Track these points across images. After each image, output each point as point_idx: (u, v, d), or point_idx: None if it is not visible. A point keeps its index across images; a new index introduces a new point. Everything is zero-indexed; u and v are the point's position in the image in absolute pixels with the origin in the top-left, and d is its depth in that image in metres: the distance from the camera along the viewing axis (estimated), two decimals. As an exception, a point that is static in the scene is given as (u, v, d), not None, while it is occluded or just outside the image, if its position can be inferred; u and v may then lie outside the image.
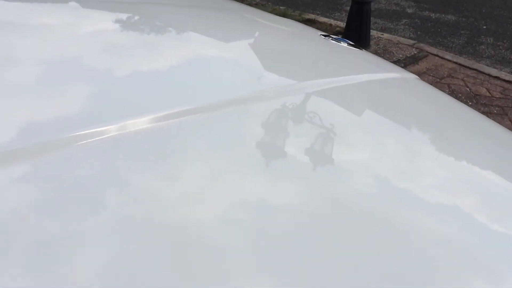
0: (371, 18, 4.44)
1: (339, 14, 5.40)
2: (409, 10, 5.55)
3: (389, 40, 4.36)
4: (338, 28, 4.67)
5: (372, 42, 4.24)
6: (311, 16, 5.11)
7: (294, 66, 0.96)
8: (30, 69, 0.63)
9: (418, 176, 0.65)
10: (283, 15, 5.06)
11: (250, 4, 5.14)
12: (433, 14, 5.41)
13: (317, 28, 4.93)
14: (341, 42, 1.24)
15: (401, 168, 0.66)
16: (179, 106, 0.63)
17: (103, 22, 0.88)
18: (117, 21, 0.91)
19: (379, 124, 0.81)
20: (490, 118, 1.10)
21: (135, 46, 0.80)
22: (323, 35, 1.28)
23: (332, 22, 4.91)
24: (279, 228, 0.50)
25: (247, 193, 0.53)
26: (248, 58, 0.92)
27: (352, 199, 0.57)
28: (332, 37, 1.27)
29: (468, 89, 3.44)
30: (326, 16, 5.23)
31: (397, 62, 3.85)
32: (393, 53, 4.06)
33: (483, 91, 3.41)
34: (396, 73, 1.15)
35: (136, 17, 0.95)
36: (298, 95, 0.77)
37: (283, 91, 0.77)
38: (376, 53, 4.02)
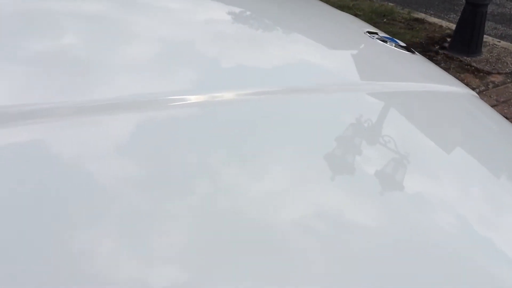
0: (491, 23, 3.96)
1: (454, 15, 4.90)
2: (541, 17, 4.85)
3: (505, 48, 3.85)
4: (448, 31, 4.24)
5: (484, 49, 3.76)
6: (421, 15, 4.70)
7: (316, 66, 0.81)
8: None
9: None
10: (390, 12, 4.72)
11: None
12: None
13: (425, 29, 4.52)
14: (388, 42, 1.05)
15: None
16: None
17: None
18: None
19: (419, 144, 0.69)
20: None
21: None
22: (369, 32, 1.09)
23: (444, 23, 4.46)
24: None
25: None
26: (281, 52, 0.81)
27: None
28: (380, 36, 1.08)
29: None
30: (439, 17, 4.78)
31: (509, 74, 3.38)
32: (507, 63, 3.57)
33: None
34: (450, 86, 0.93)
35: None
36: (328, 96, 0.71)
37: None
38: (486, 61, 3.57)
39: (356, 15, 4.52)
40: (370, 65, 0.90)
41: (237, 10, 0.98)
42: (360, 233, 0.48)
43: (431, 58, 3.67)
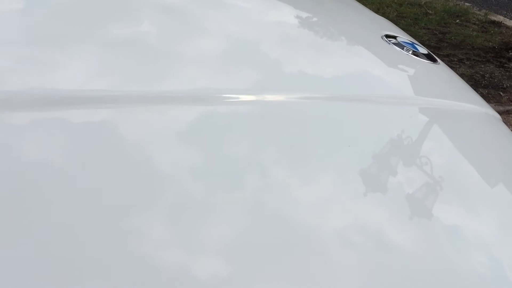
0: None
1: (538, 20, 4.48)
2: None
3: None
4: (527, 37, 3.88)
5: None
6: (499, 18, 4.34)
7: (320, 73, 0.75)
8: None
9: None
10: (465, 13, 4.41)
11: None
12: None
13: (501, 33, 4.16)
14: (405, 48, 0.94)
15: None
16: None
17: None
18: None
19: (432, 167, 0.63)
20: None
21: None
22: (387, 35, 0.99)
23: (524, 28, 4.10)
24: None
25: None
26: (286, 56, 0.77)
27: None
28: (398, 40, 0.97)
29: None
30: (520, 21, 4.39)
31: None
32: None
33: None
34: (473, 105, 0.82)
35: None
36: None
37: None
38: None
39: (426, 13, 4.27)
40: (374, 74, 0.81)
41: (298, 13, 0.94)
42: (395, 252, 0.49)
43: (501, 65, 3.38)
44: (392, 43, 0.94)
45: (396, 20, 4.09)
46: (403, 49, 0.93)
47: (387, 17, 4.14)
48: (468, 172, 0.66)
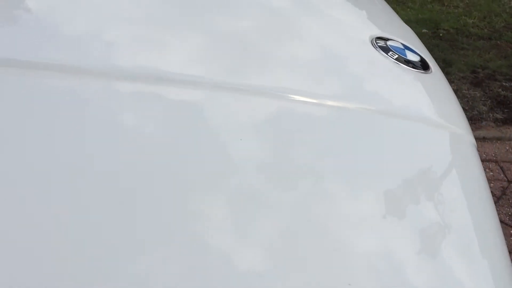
0: None
1: None
2: None
3: None
4: None
5: None
6: None
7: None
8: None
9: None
10: None
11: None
12: None
13: None
14: (391, 53, 0.87)
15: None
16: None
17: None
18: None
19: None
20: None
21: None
22: (379, 37, 0.92)
23: None
24: None
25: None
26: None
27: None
28: (390, 44, 0.91)
29: None
30: None
31: None
32: None
33: None
34: (443, 125, 0.75)
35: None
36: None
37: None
38: None
39: None
40: (335, 78, 0.77)
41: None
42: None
43: None
44: (379, 46, 0.89)
45: (502, 31, 3.72)
46: (387, 53, 0.87)
47: (493, 28, 3.79)
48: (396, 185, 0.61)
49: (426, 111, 0.77)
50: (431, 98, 0.81)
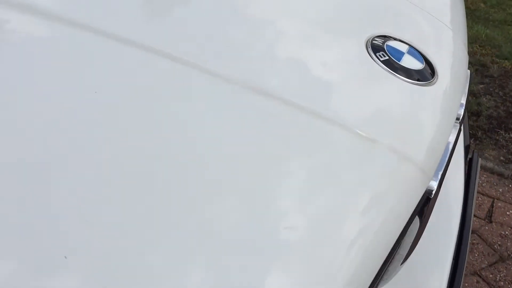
0: None
1: None
2: None
3: None
4: None
5: None
6: None
7: None
8: None
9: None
10: None
11: None
12: None
13: None
14: (378, 54, 0.75)
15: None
16: None
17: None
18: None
19: None
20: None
21: None
22: (380, 36, 0.79)
23: None
24: None
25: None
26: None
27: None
28: (387, 44, 0.77)
29: None
30: None
31: None
32: None
33: None
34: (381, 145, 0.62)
35: None
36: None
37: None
38: None
39: None
40: (286, 74, 0.68)
41: None
42: None
43: None
44: (373, 44, 0.77)
45: None
46: (376, 53, 0.75)
47: None
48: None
49: (373, 125, 0.64)
50: (390, 114, 0.67)
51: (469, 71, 0.93)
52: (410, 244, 0.70)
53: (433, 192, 0.65)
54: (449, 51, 0.87)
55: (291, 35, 0.74)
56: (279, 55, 0.69)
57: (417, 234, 0.69)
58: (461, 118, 0.83)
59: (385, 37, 0.80)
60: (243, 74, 0.62)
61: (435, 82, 0.75)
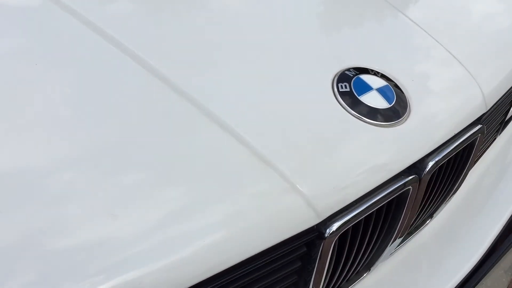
0: None
1: None
2: None
3: None
4: None
5: None
6: None
7: None
8: None
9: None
10: None
11: None
12: None
13: None
14: (341, 86, 0.72)
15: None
16: None
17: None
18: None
19: None
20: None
21: None
22: (361, 68, 0.75)
23: None
24: None
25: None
26: None
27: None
28: (363, 77, 0.73)
29: None
30: None
31: None
32: None
33: None
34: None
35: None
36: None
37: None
38: None
39: None
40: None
41: None
42: None
43: None
44: (341, 75, 0.75)
45: None
46: (338, 83, 0.73)
47: None
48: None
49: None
50: (307, 143, 0.65)
51: (480, 125, 0.84)
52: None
53: (326, 235, 0.62)
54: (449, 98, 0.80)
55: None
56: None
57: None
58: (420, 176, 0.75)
59: (366, 70, 0.77)
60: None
61: (391, 126, 0.71)
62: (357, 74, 0.76)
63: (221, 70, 0.71)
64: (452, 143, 0.78)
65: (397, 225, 0.77)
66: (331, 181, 0.63)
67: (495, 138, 1.20)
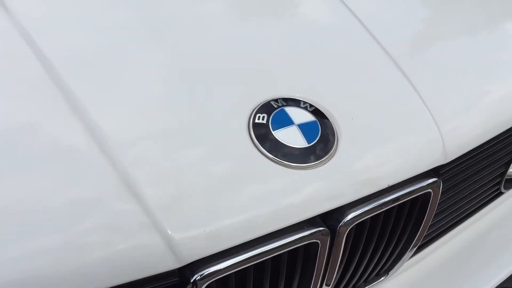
0: None
1: None
2: None
3: None
4: None
5: None
6: None
7: None
8: None
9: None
10: None
11: None
12: None
13: None
14: (263, 120, 0.64)
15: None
16: None
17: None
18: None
19: None
20: None
21: None
22: (284, 99, 0.67)
23: None
24: None
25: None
26: None
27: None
28: (287, 109, 0.65)
29: None
30: None
31: None
32: None
33: None
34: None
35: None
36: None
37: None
38: None
39: None
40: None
41: None
42: None
43: None
44: (263, 104, 0.67)
45: None
46: (257, 114, 0.66)
47: None
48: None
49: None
50: (192, 178, 0.59)
51: (435, 179, 0.73)
52: None
53: (191, 281, 0.56)
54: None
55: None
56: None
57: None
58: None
59: (298, 102, 0.69)
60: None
61: (303, 168, 0.63)
62: (283, 106, 0.69)
63: (121, 88, 0.67)
64: (386, 196, 0.68)
65: (311, 282, 0.68)
66: (204, 224, 0.56)
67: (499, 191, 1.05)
